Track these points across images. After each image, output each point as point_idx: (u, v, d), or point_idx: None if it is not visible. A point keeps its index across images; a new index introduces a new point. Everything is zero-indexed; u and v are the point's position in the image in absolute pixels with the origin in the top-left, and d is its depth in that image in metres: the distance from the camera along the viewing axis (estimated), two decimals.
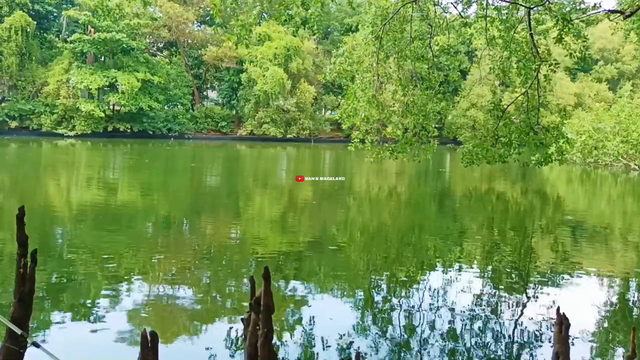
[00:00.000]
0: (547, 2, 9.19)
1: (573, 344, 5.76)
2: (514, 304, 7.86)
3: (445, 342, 6.27)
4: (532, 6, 9.24)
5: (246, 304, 6.02)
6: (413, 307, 7.50)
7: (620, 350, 6.23)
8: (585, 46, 9.18)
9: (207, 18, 64.29)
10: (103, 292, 7.73)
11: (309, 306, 7.43)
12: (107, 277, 8.43)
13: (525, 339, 6.47)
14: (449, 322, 6.87)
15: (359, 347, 5.99)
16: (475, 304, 7.69)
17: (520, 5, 9.60)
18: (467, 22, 10.55)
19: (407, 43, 10.63)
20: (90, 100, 50.22)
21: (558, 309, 4.53)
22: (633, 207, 19.60)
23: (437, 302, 7.73)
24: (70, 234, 12.00)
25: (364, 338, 6.36)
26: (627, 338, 6.29)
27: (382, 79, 10.96)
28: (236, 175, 27.15)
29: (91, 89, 49.31)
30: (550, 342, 6.12)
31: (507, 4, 9.83)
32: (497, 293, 8.37)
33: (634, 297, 8.63)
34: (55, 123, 50.51)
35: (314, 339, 6.24)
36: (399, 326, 6.80)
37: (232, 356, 5.78)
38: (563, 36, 8.76)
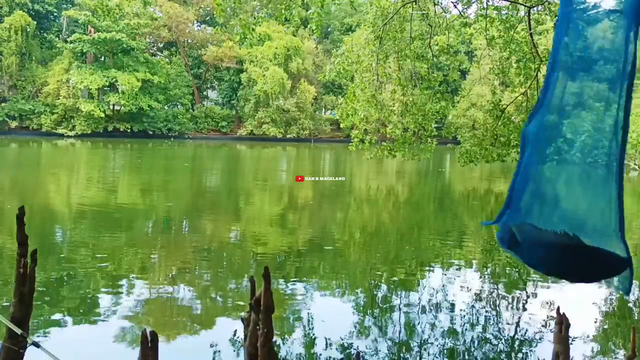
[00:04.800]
0: (547, 2, 9.19)
1: (573, 344, 5.76)
2: (514, 303, 7.87)
3: (445, 341, 6.27)
4: (532, 6, 9.24)
5: (245, 303, 6.02)
6: (413, 307, 7.51)
7: (620, 350, 6.24)
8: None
9: (207, 18, 64.29)
10: (103, 291, 7.74)
11: (309, 306, 7.43)
12: (107, 277, 8.44)
13: (525, 339, 6.47)
14: (449, 321, 6.87)
15: (358, 347, 5.99)
16: (475, 304, 7.69)
17: (521, 4, 9.60)
18: (467, 22, 10.55)
19: (407, 43, 10.63)
20: (90, 100, 50.17)
21: (558, 309, 4.53)
22: (633, 207, 19.59)
23: (437, 301, 7.73)
24: (70, 234, 12.00)
25: (364, 338, 6.36)
26: (627, 338, 6.29)
27: (381, 78, 10.96)
28: (236, 175, 27.15)
29: (91, 89, 49.26)
30: (550, 342, 6.12)
31: (507, 3, 9.83)
32: (497, 292, 8.37)
33: (634, 297, 8.63)
34: (55, 123, 50.47)
35: (314, 338, 6.24)
36: (399, 326, 6.80)
37: (232, 356, 5.78)
38: None
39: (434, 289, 8.38)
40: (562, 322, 4.35)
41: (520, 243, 1.87)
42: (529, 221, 1.79)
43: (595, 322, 7.20)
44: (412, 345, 6.20)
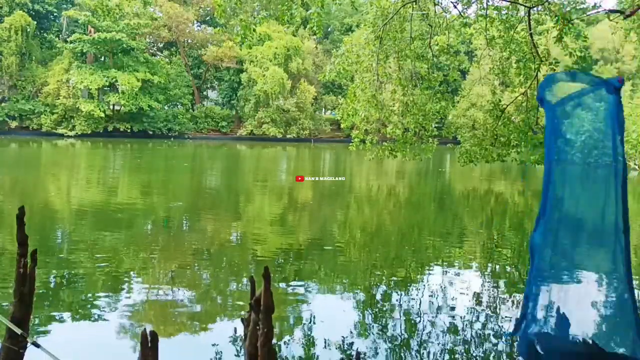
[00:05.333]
0: (547, 2, 9.19)
1: None
2: (514, 303, 7.86)
3: (446, 341, 6.27)
4: (532, 6, 9.24)
5: (245, 303, 6.02)
6: (413, 307, 7.51)
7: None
8: (585, 46, 9.18)
9: (207, 18, 64.31)
10: (103, 291, 7.73)
11: (309, 306, 7.43)
12: (107, 276, 8.44)
13: None
14: (449, 322, 6.87)
15: (358, 347, 5.99)
16: (475, 304, 7.69)
17: (521, 4, 9.60)
18: (467, 22, 10.56)
19: (407, 43, 10.64)
20: (90, 100, 50.20)
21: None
22: (633, 207, 19.59)
23: (437, 302, 7.73)
24: (70, 234, 11.99)
25: (364, 338, 6.36)
26: None
27: (381, 78, 10.97)
28: (236, 175, 27.15)
29: (91, 89, 49.30)
30: None
31: (507, 3, 9.84)
32: (497, 293, 8.37)
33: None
34: (55, 123, 50.51)
35: (314, 338, 6.24)
36: (399, 326, 6.80)
37: (232, 356, 5.78)
38: (563, 36, 8.76)
39: (434, 289, 8.38)
40: None
41: (542, 354, 1.84)
42: (545, 330, 1.78)
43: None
44: (412, 346, 6.20)
